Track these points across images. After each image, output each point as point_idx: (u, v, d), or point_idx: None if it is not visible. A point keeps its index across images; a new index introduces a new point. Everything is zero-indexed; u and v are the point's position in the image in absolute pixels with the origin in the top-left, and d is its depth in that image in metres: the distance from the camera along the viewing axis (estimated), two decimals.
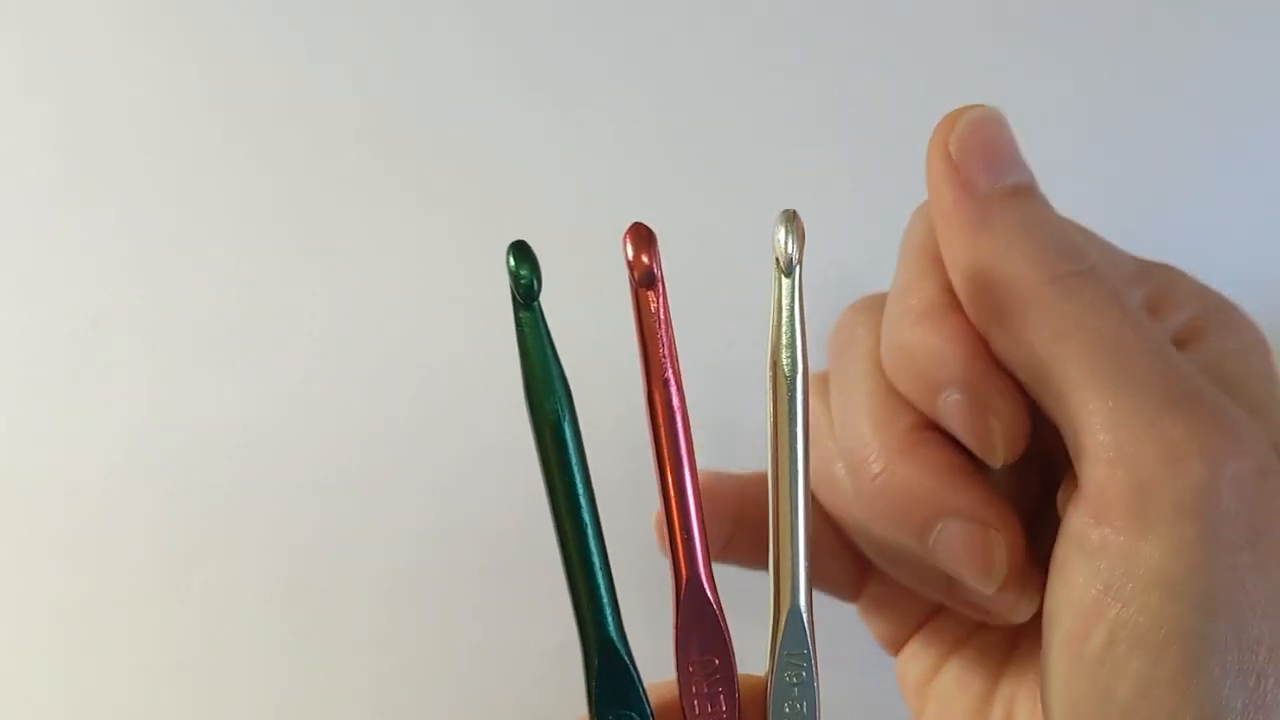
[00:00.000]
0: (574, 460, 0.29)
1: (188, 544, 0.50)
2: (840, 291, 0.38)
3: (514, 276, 0.28)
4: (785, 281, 0.30)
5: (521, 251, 0.28)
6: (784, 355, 0.30)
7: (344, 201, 0.51)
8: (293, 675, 0.50)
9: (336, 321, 0.51)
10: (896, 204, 0.36)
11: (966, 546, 0.32)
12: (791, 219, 0.30)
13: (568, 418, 0.29)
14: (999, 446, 0.32)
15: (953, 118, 0.32)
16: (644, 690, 0.30)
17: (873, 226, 0.39)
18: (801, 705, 0.31)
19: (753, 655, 0.31)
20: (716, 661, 0.30)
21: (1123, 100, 0.50)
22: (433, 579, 0.50)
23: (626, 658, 0.30)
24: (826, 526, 0.37)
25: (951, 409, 0.32)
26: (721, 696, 0.31)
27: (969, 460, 0.33)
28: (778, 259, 0.30)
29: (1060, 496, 0.32)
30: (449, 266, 0.51)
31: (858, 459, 0.34)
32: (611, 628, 0.30)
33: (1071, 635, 0.29)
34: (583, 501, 0.29)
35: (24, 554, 0.50)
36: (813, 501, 0.35)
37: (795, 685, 0.30)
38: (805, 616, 0.30)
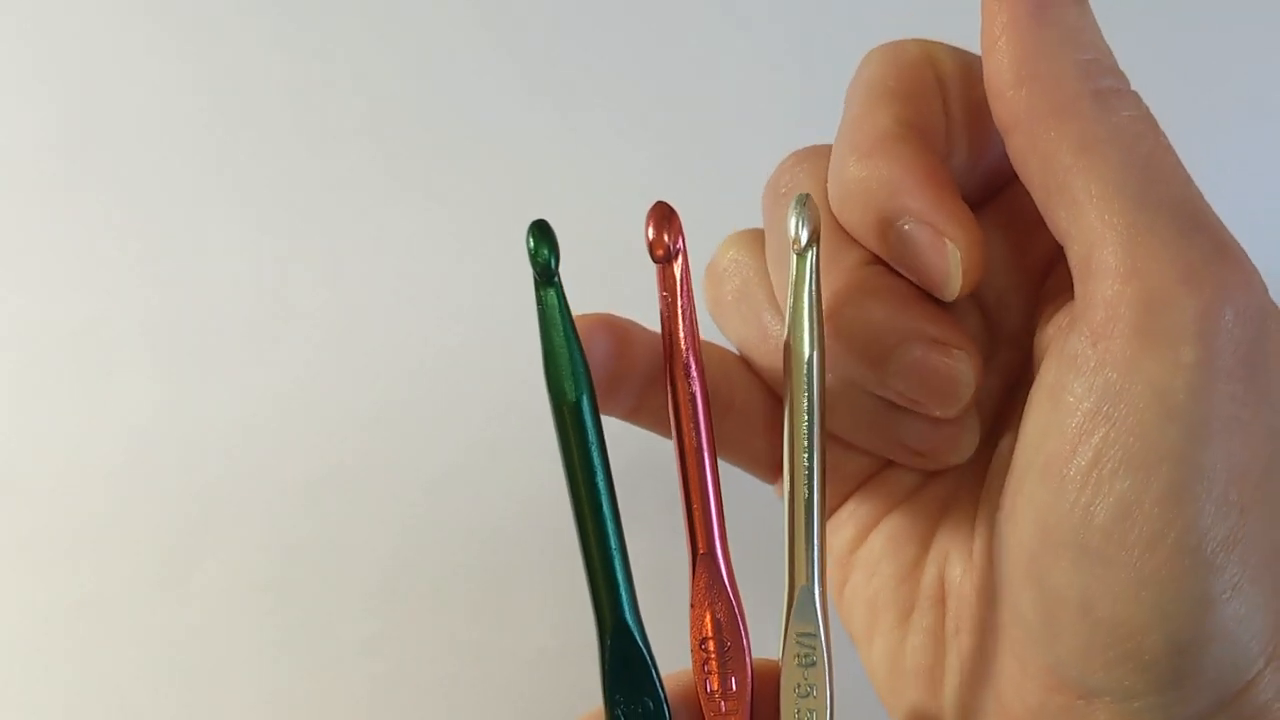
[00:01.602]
0: (592, 442, 0.29)
1: (186, 544, 0.50)
2: None
3: (533, 256, 0.28)
4: (799, 263, 0.30)
5: (541, 230, 0.28)
6: (798, 336, 0.30)
7: (344, 201, 0.51)
8: (292, 675, 0.50)
9: (335, 322, 0.51)
10: None
11: (929, 368, 0.32)
12: (804, 202, 0.30)
13: (587, 398, 0.29)
14: (955, 275, 0.31)
15: None
16: (658, 675, 0.30)
17: None
18: (812, 687, 0.31)
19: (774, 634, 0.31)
20: (729, 641, 0.31)
21: None
22: (431, 579, 0.50)
23: (640, 642, 0.30)
24: (754, 396, 0.35)
25: (906, 238, 0.31)
26: (734, 676, 0.31)
27: (921, 291, 0.32)
28: (791, 241, 0.30)
29: (1042, 331, 0.32)
30: (449, 266, 0.51)
31: None
32: (627, 612, 0.30)
33: (1054, 457, 0.28)
34: (600, 484, 0.29)
35: (22, 554, 0.50)
36: (747, 376, 0.35)
37: (806, 665, 0.31)
38: (817, 595, 0.30)
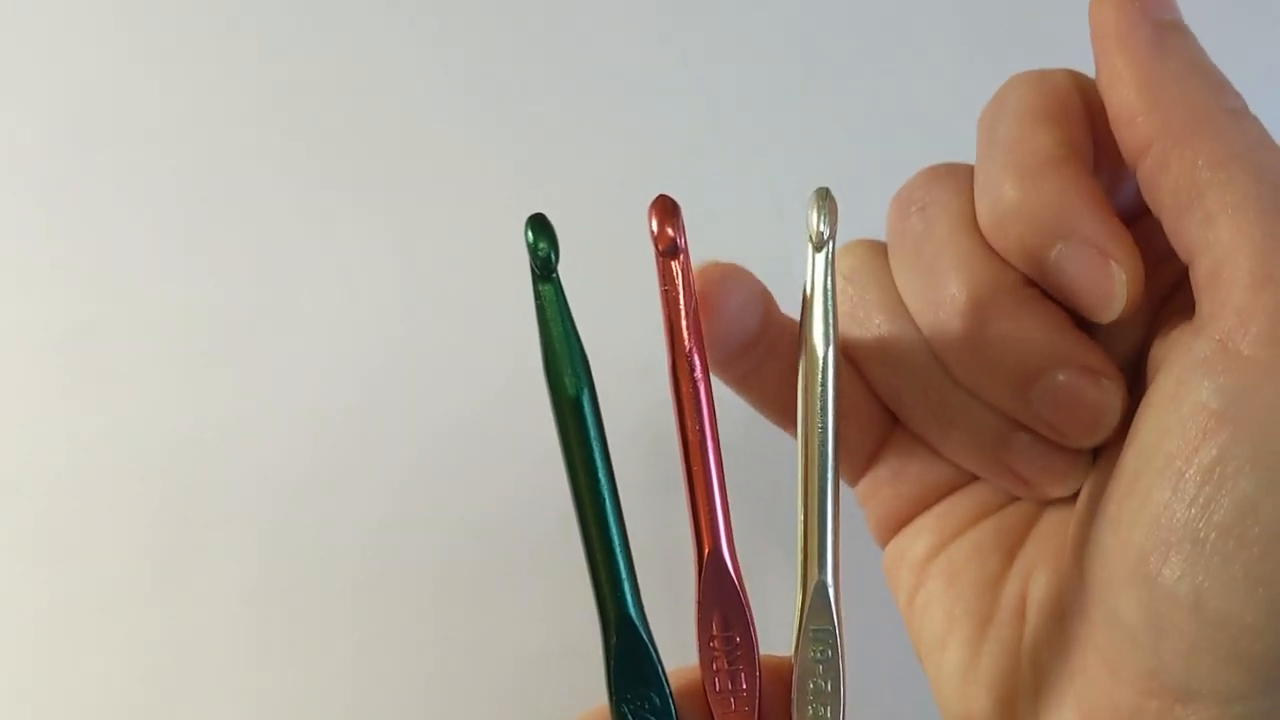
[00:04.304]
0: (593, 436, 0.29)
1: (176, 547, 0.50)
2: None
3: (532, 249, 0.28)
4: (817, 258, 0.30)
5: (539, 224, 0.28)
6: (815, 331, 0.30)
7: (342, 201, 0.51)
8: (291, 676, 0.50)
9: (324, 321, 0.50)
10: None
11: (1077, 395, 0.32)
12: (825, 197, 0.30)
13: (587, 393, 0.29)
14: (1119, 297, 0.31)
15: None
16: (663, 670, 0.30)
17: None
18: (826, 683, 0.30)
19: (779, 633, 0.31)
20: (738, 638, 0.30)
21: None
22: (426, 578, 0.50)
23: (645, 637, 0.30)
24: (854, 390, 0.36)
25: (1069, 259, 0.31)
26: (743, 674, 0.31)
27: (1073, 318, 0.33)
28: (810, 235, 0.30)
29: (1156, 351, 0.32)
30: (447, 265, 0.51)
31: (953, 316, 0.33)
32: (631, 606, 0.29)
33: (1174, 456, 0.28)
34: (602, 479, 0.29)
35: (8, 555, 0.50)
36: (844, 365, 0.36)
37: (820, 661, 0.30)
38: (832, 591, 0.30)
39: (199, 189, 0.51)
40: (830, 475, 0.30)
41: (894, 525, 0.38)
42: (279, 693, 0.50)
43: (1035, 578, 0.35)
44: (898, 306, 0.35)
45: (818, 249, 0.30)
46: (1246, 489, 0.27)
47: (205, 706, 0.50)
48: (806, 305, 0.30)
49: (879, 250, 0.36)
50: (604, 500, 0.29)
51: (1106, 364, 0.33)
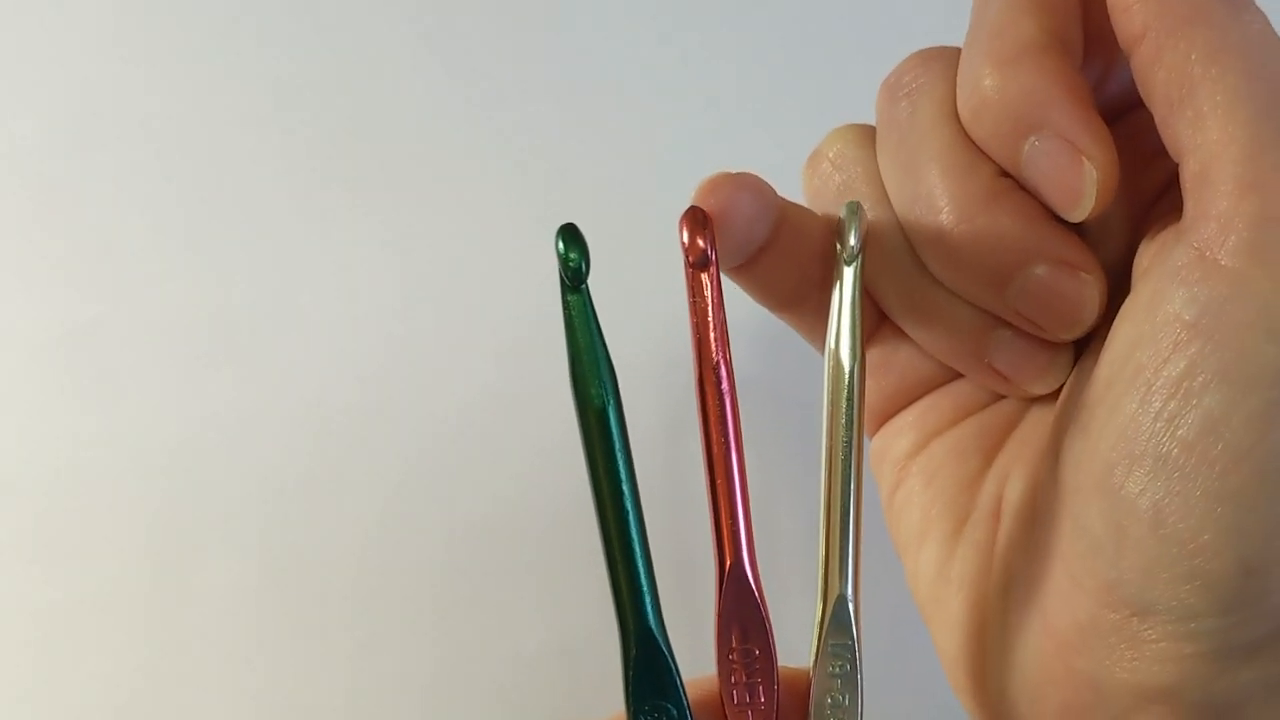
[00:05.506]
0: (618, 447, 0.29)
1: (174, 546, 0.50)
2: None
3: (563, 259, 0.28)
4: (846, 271, 0.30)
5: (571, 234, 0.28)
6: (842, 345, 0.30)
7: (342, 201, 0.50)
8: (287, 677, 0.50)
9: (325, 323, 0.50)
10: None
11: (1055, 289, 0.31)
12: (855, 210, 0.31)
13: (613, 403, 0.28)
14: (1089, 195, 0.30)
15: None
16: (681, 682, 0.30)
17: None
18: (844, 697, 0.30)
19: (795, 647, 0.31)
20: (757, 651, 0.30)
21: None
22: (425, 578, 0.50)
23: (665, 649, 0.30)
24: (812, 249, 0.34)
25: (1041, 153, 0.30)
26: (761, 687, 0.30)
27: (1049, 211, 0.32)
28: (840, 249, 0.30)
29: (1141, 256, 0.31)
30: (445, 265, 0.50)
31: (929, 211, 0.32)
32: (651, 618, 0.29)
33: (1144, 366, 0.28)
34: (625, 489, 0.29)
35: (8, 555, 0.50)
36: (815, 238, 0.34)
37: (839, 676, 0.30)
38: (852, 605, 0.30)
39: (199, 189, 0.50)
40: (853, 488, 0.30)
41: (878, 418, 0.38)
42: (279, 692, 0.50)
43: (1011, 480, 0.34)
44: (881, 198, 0.34)
45: (848, 263, 0.30)
46: (1212, 405, 0.27)
47: (205, 706, 0.50)
48: (835, 319, 0.30)
49: (868, 136, 0.35)
50: (626, 510, 0.29)
51: (1085, 257, 0.32)
